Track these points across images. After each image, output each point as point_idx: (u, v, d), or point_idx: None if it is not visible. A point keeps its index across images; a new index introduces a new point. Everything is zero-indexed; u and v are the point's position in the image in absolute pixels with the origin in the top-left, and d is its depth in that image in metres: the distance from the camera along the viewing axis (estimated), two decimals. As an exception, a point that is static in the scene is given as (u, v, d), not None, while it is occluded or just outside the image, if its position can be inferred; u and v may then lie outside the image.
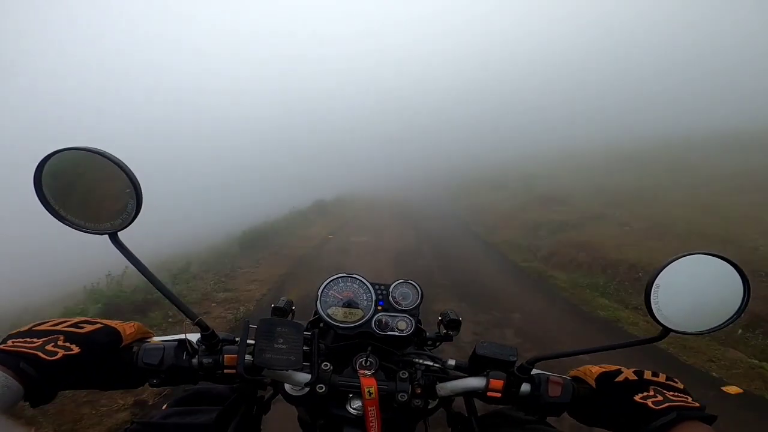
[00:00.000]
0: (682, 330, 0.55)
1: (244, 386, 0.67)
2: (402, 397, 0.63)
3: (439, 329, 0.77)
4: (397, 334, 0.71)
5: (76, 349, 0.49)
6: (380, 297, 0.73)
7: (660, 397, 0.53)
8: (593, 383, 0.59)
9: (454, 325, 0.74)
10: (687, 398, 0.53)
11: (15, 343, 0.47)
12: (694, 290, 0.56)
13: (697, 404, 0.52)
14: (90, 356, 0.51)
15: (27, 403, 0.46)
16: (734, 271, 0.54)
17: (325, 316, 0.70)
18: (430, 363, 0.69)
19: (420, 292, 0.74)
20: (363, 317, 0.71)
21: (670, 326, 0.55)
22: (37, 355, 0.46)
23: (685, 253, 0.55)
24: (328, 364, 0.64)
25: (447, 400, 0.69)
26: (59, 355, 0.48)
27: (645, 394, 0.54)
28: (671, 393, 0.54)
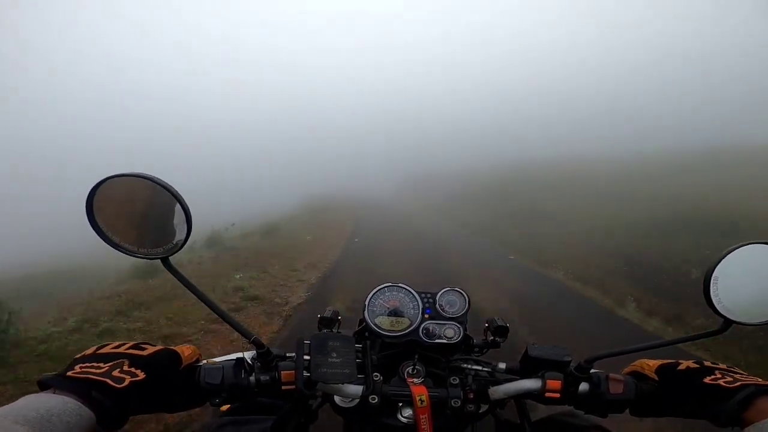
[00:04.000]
0: (744, 321, 0.55)
1: (300, 397, 0.67)
2: (455, 403, 0.63)
3: (486, 336, 0.76)
4: (445, 341, 0.70)
5: (141, 375, 0.49)
6: (427, 305, 0.73)
7: (730, 378, 0.53)
8: (654, 376, 0.59)
9: (501, 331, 0.74)
10: (757, 378, 0.53)
11: (83, 369, 0.47)
12: (754, 280, 0.55)
13: None
14: (154, 380, 0.51)
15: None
16: None
17: (373, 326, 0.70)
18: (479, 367, 0.68)
19: (467, 300, 0.73)
20: (410, 325, 0.71)
21: (732, 318, 0.54)
22: (106, 382, 0.46)
23: (742, 244, 0.54)
24: (378, 374, 0.64)
25: (499, 404, 0.69)
26: (126, 383, 0.48)
27: (713, 376, 0.54)
28: (738, 375, 0.54)
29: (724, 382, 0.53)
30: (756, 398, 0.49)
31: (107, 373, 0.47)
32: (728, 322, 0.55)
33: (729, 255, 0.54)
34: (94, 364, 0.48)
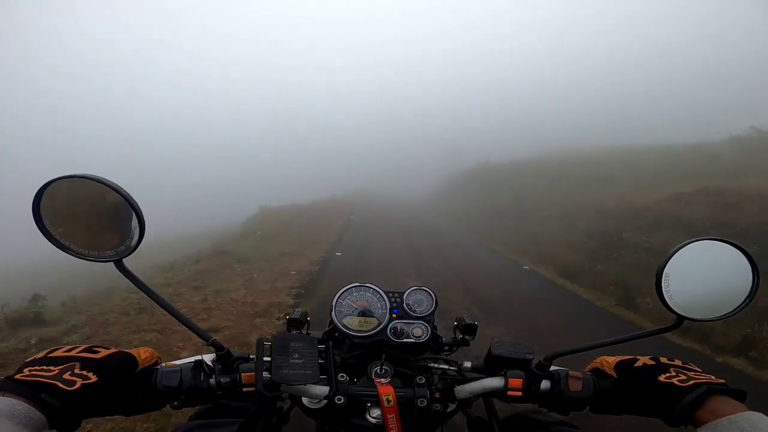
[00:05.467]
0: (696, 317, 0.56)
1: (264, 400, 0.67)
2: (421, 403, 0.63)
3: (455, 334, 0.77)
4: (413, 340, 0.71)
5: (93, 378, 0.49)
6: (394, 305, 0.73)
7: (684, 376, 0.53)
8: (613, 372, 0.60)
9: (470, 329, 0.74)
10: (710, 376, 0.53)
11: (32, 372, 0.47)
12: (704, 277, 0.56)
13: (723, 380, 0.52)
14: (107, 383, 0.50)
15: None
16: (741, 255, 0.55)
17: (341, 326, 0.70)
18: (446, 366, 0.69)
19: (434, 299, 0.74)
20: (378, 325, 0.71)
21: (683, 314, 0.55)
22: (55, 385, 0.46)
23: (692, 240, 0.55)
24: (344, 375, 0.64)
25: (466, 403, 0.69)
26: (77, 385, 0.47)
27: (668, 374, 0.54)
28: (692, 373, 0.54)
29: (677, 380, 0.53)
30: (708, 398, 0.49)
31: (57, 376, 0.47)
32: (681, 318, 0.56)
33: (680, 251, 0.55)
34: (44, 367, 0.48)
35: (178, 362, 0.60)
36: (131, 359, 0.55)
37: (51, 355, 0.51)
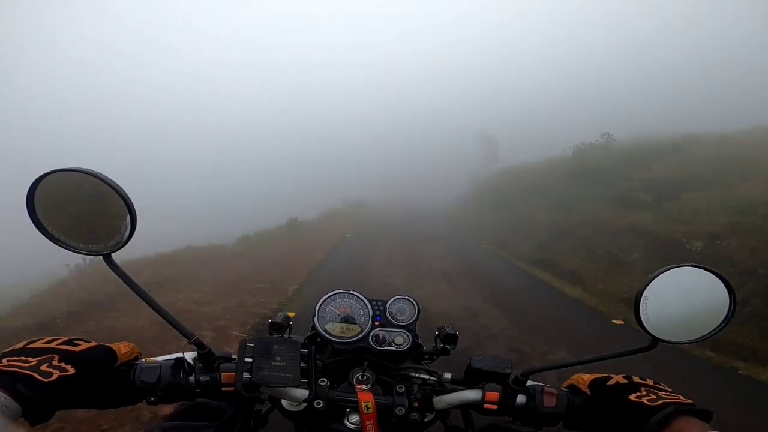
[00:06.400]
0: (671, 339, 0.57)
1: (242, 401, 0.67)
2: (399, 411, 0.64)
3: (436, 343, 0.78)
4: (394, 348, 0.71)
5: (71, 370, 0.49)
6: (377, 312, 0.74)
7: (653, 396, 0.55)
8: (587, 390, 0.61)
9: (451, 339, 0.75)
10: (679, 396, 0.55)
11: (10, 362, 0.47)
12: (681, 301, 0.57)
13: (690, 401, 0.53)
14: (85, 376, 0.50)
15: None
16: (720, 282, 0.56)
17: (323, 332, 0.71)
18: (426, 376, 0.69)
19: (417, 308, 0.75)
20: (360, 332, 0.71)
21: (659, 336, 0.57)
22: (32, 376, 0.46)
23: (673, 266, 0.57)
24: (325, 379, 0.65)
25: (444, 413, 0.70)
26: (54, 377, 0.47)
27: (638, 393, 0.55)
28: (662, 393, 0.56)
29: (647, 399, 0.54)
30: (674, 418, 0.51)
31: (35, 367, 0.47)
32: (656, 340, 0.57)
33: (659, 276, 0.56)
34: (22, 358, 0.48)
35: (159, 358, 0.61)
36: (111, 353, 0.55)
37: (30, 346, 0.51)
